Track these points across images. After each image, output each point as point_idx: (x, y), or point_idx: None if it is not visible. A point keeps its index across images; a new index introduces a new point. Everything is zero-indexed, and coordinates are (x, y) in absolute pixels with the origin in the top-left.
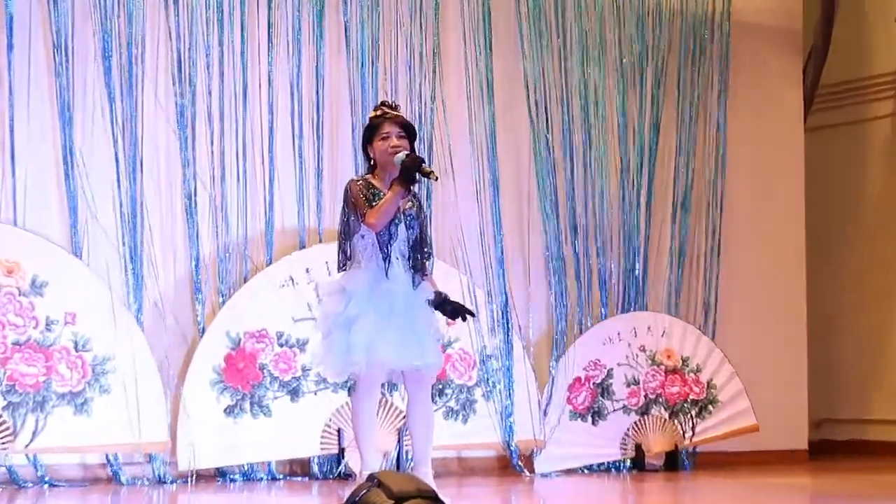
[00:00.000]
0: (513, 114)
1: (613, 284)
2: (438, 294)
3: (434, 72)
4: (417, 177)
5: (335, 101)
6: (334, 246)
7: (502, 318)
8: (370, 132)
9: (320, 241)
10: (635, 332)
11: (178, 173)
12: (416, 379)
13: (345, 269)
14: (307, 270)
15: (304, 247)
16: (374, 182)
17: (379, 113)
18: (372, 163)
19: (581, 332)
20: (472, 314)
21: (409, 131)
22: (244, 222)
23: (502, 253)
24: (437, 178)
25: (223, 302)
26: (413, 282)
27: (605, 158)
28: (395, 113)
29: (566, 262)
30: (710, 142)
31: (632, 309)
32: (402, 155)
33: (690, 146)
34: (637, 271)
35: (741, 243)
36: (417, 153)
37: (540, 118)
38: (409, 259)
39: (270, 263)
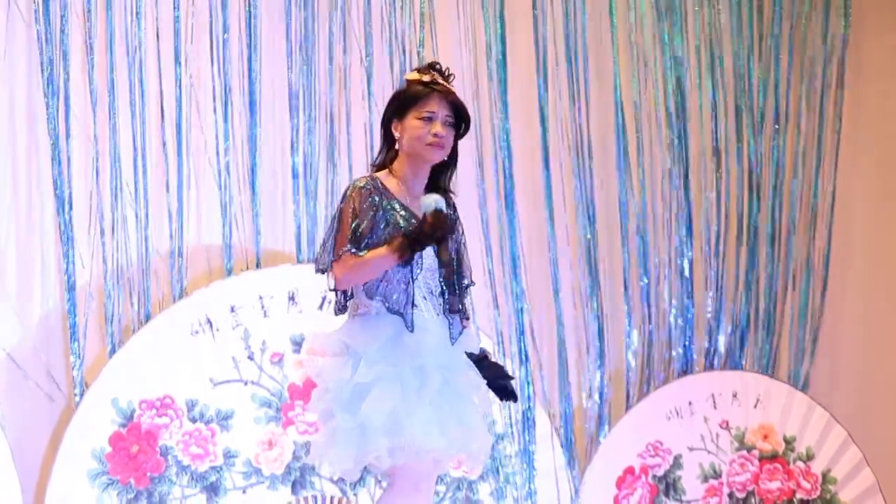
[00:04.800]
0: (530, 88)
1: (683, 329)
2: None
3: (422, 20)
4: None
5: (277, 59)
6: (272, 273)
7: (521, 379)
8: (405, 102)
9: (258, 266)
10: (714, 401)
11: (45, 168)
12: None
13: (345, 313)
14: (233, 310)
15: (230, 274)
16: (389, 183)
17: (427, 79)
18: (392, 148)
19: (633, 400)
20: (514, 398)
21: (461, 119)
22: (142, 238)
23: (520, 284)
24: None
25: (110, 354)
26: (451, 330)
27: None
28: (449, 86)
29: (612, 297)
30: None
31: (709, 367)
32: (433, 202)
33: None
34: (714, 309)
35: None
36: (452, 204)
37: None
38: (441, 297)
39: (179, 298)
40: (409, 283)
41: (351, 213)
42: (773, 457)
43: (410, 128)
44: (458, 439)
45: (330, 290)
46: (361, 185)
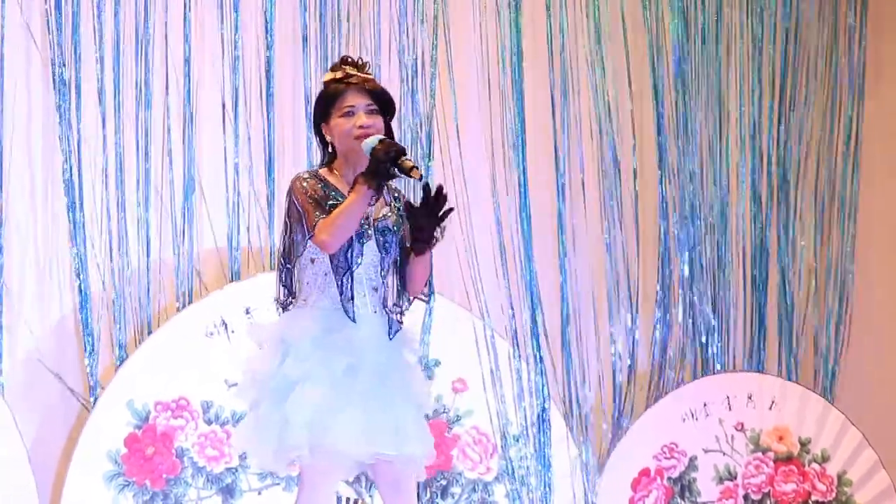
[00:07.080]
0: (545, 88)
1: (698, 330)
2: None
3: (436, 17)
4: (393, 172)
5: (287, 56)
6: None
7: (535, 380)
8: (325, 104)
9: (273, 268)
10: (729, 403)
11: (55, 170)
12: (393, 479)
13: (289, 309)
14: (248, 311)
15: (241, 277)
16: (331, 178)
17: (339, 76)
18: (329, 150)
19: (648, 402)
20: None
21: (383, 103)
22: (154, 239)
23: (534, 285)
24: (420, 178)
25: (124, 356)
26: (389, 328)
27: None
28: (364, 75)
29: (627, 298)
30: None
31: (723, 368)
32: (373, 140)
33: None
34: (729, 311)
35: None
36: (396, 138)
37: (599, 95)
38: (382, 294)
39: (192, 301)
40: (347, 275)
41: (307, 192)
42: (789, 459)
43: (336, 126)
44: (390, 442)
45: (275, 299)
46: (306, 176)
